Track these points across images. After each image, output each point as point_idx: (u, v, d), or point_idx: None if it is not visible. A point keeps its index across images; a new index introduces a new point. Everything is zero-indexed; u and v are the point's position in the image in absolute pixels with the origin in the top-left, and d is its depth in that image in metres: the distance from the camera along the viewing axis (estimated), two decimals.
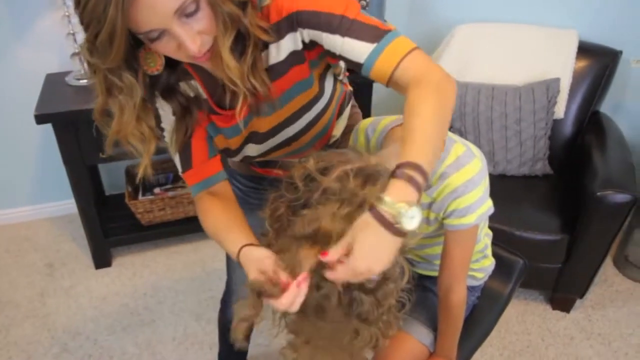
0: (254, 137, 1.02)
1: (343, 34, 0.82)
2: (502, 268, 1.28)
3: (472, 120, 2.05)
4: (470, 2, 2.32)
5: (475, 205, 0.94)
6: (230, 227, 0.92)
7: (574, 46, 2.09)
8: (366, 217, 0.70)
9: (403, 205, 0.68)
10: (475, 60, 2.17)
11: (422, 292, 1.20)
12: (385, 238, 0.69)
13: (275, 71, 0.90)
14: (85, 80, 2.02)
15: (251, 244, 0.86)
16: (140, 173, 0.89)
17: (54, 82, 2.05)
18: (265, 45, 0.88)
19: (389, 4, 2.11)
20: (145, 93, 0.84)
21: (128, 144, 0.87)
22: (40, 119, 1.82)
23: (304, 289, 0.75)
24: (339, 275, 0.72)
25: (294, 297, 0.74)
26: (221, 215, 0.95)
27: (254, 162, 1.20)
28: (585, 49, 2.10)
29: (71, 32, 1.97)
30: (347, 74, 1.17)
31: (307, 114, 1.00)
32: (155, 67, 0.84)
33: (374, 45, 0.81)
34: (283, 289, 0.75)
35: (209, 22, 0.77)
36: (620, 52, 2.07)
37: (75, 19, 1.95)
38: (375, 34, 0.82)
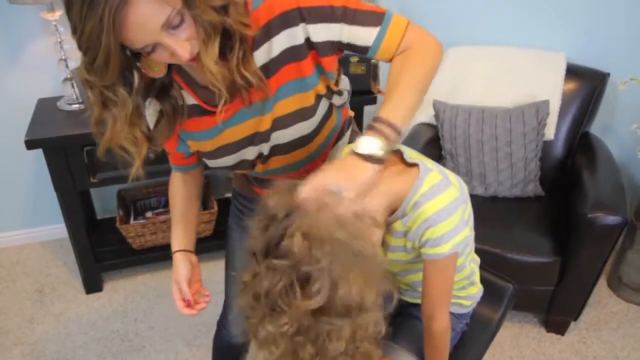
0: (254, 139, 1.05)
1: (349, 22, 0.91)
2: (491, 293, 1.27)
3: (462, 143, 2.06)
4: (460, 25, 2.35)
5: (449, 235, 0.93)
6: (180, 220, 1.21)
7: (562, 68, 2.12)
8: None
9: (364, 138, 0.82)
10: (465, 82, 2.19)
11: (410, 321, 1.19)
12: (352, 160, 0.83)
13: (268, 68, 0.95)
14: (76, 105, 2.03)
15: (185, 250, 1.18)
16: (132, 174, 0.96)
17: (45, 107, 2.06)
18: (257, 45, 0.93)
19: None
20: (142, 96, 0.93)
21: (120, 149, 0.93)
22: (30, 144, 1.82)
23: (195, 310, 1.14)
24: (308, 188, 0.80)
25: (187, 312, 1.14)
26: (179, 205, 1.22)
27: (253, 180, 1.23)
28: (573, 72, 2.12)
29: (63, 57, 1.98)
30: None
31: (301, 123, 1.02)
32: (160, 70, 0.92)
33: (378, 28, 0.91)
34: (188, 303, 1.13)
35: (195, 29, 0.84)
36: (608, 74, 2.09)
37: (67, 45, 1.96)
38: (376, 19, 0.91)
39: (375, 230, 0.94)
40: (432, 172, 0.96)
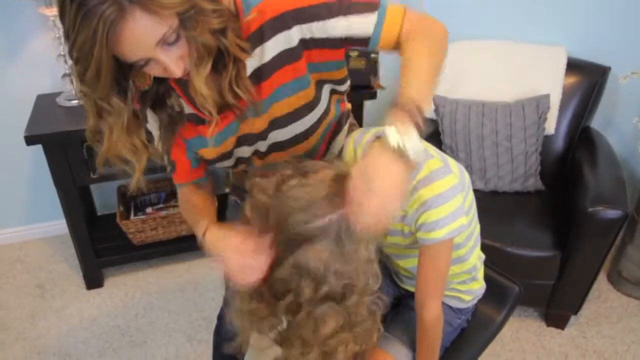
0: (247, 139, 1.05)
1: (345, 14, 0.88)
2: (495, 293, 1.26)
3: (463, 137, 2.06)
4: (460, 20, 2.34)
5: (444, 220, 0.94)
6: (204, 214, 1.05)
7: (562, 63, 2.11)
8: (378, 146, 0.77)
9: (405, 136, 0.75)
10: (465, 77, 2.18)
11: (407, 312, 1.19)
12: (395, 168, 0.75)
13: (262, 72, 0.93)
14: (75, 101, 2.02)
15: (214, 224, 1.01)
16: (133, 185, 0.93)
17: (44, 103, 2.05)
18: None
19: None
20: (138, 106, 0.90)
21: (118, 160, 0.91)
22: (30, 140, 1.82)
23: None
24: (363, 219, 0.76)
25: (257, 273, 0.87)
26: (198, 204, 1.10)
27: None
28: (574, 66, 2.11)
29: (62, 53, 1.98)
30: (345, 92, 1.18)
31: (299, 122, 1.01)
32: (145, 82, 0.90)
33: (375, 15, 0.89)
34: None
35: (189, 49, 0.82)
36: (609, 68, 2.08)
37: None
38: (372, 7, 0.89)
39: None
40: (432, 159, 0.97)
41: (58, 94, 2.10)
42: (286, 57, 0.92)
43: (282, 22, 0.88)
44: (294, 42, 0.90)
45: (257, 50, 0.91)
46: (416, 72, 0.84)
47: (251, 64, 0.93)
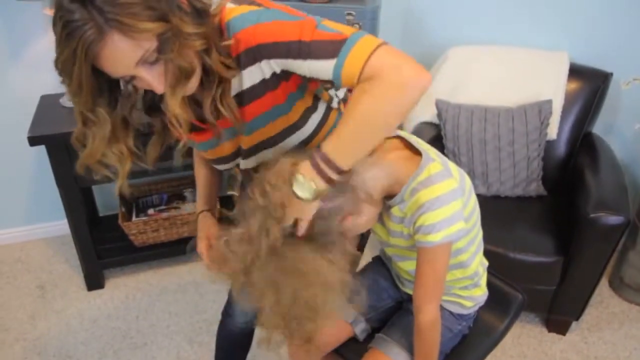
0: (240, 152, 1.07)
1: (305, 58, 0.84)
2: (499, 301, 1.26)
3: (465, 142, 2.06)
4: (463, 25, 2.35)
5: (441, 224, 0.94)
6: (205, 184, 1.29)
7: (565, 68, 2.11)
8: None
9: (299, 177, 0.84)
10: (468, 82, 2.19)
11: (407, 316, 1.19)
12: (292, 202, 0.87)
13: (242, 98, 0.95)
14: None
15: (209, 210, 1.27)
16: (116, 191, 0.97)
17: (48, 104, 2.06)
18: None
19: (382, 27, 2.13)
20: (131, 110, 0.93)
21: (99, 165, 0.93)
22: (33, 140, 1.82)
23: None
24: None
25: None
26: (204, 169, 1.29)
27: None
28: (576, 71, 2.12)
29: None
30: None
31: (286, 140, 1.02)
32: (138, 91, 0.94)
33: (334, 60, 0.82)
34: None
35: (166, 68, 0.84)
36: (611, 74, 2.09)
37: None
38: (333, 49, 0.81)
39: (366, 206, 0.95)
40: (433, 162, 0.97)
41: (62, 94, 2.10)
42: (263, 87, 0.92)
43: (253, 55, 0.88)
44: (267, 75, 0.90)
45: (237, 77, 0.92)
46: (344, 130, 0.82)
47: (233, 87, 0.94)
